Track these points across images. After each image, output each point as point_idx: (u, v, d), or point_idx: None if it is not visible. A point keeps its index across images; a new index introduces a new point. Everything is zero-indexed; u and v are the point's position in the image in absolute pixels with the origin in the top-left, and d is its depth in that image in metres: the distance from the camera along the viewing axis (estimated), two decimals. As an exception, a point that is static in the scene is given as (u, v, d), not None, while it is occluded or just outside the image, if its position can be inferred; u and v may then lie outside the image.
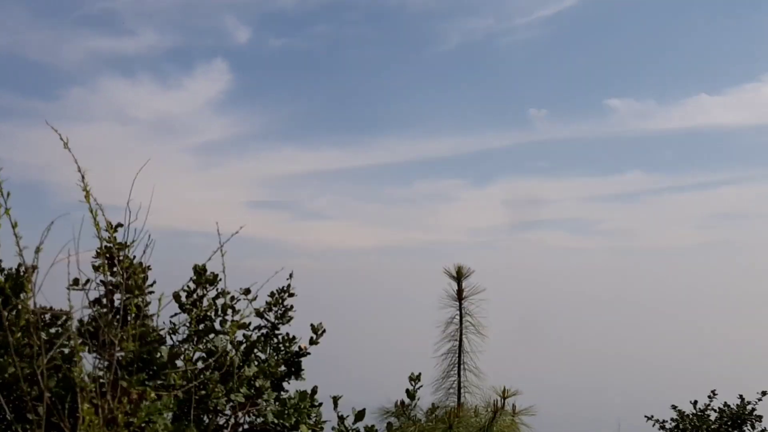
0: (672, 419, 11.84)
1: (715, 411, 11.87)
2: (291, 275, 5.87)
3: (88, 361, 4.38)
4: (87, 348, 4.47)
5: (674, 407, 12.03)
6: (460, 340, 6.18)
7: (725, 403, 11.88)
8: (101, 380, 4.33)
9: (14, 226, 3.12)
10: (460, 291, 6.33)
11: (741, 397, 11.83)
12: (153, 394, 4.25)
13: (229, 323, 5.28)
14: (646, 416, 11.94)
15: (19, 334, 4.48)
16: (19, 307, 4.69)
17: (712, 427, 11.55)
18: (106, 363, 4.45)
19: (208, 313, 5.33)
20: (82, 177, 3.32)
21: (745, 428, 11.57)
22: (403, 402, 6.34)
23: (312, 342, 5.79)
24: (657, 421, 11.82)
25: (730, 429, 11.54)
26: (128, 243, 4.72)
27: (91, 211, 3.42)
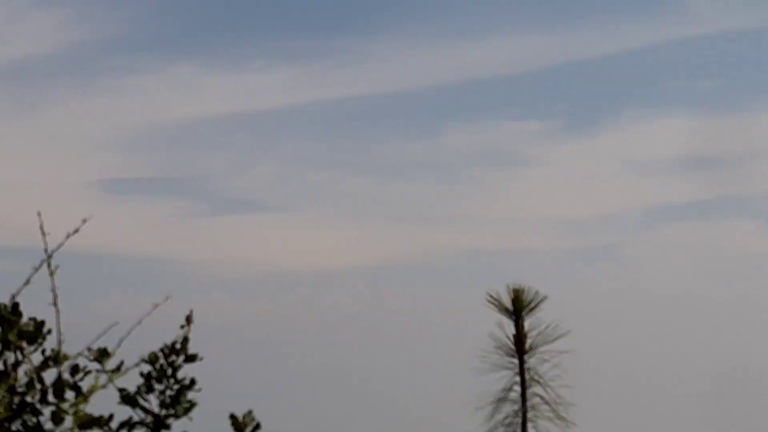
0: None
1: None
2: (189, 318, 3.68)
3: None
4: None
5: None
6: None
7: None
8: None
9: None
10: (520, 336, 3.50)
11: None
12: None
13: (70, 417, 3.43)
14: None
15: None
16: None
17: None
18: None
19: (28, 398, 3.46)
20: None
21: None
22: None
23: (235, 452, 3.62)
24: None
25: None
26: None
27: None
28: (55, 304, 3.31)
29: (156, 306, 3.56)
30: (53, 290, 3.30)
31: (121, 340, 3.43)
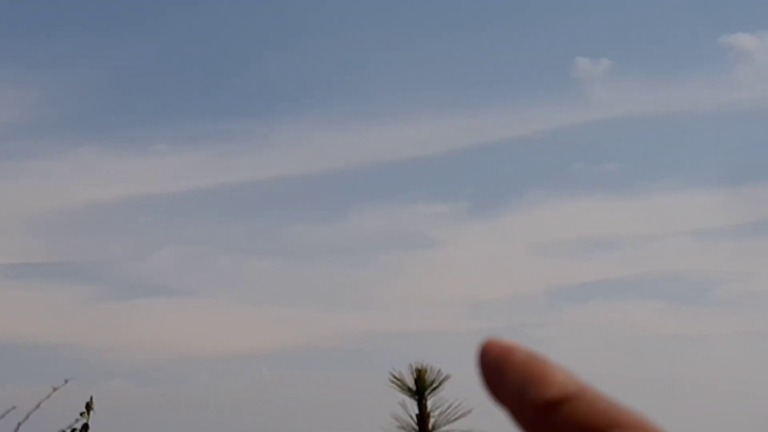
0: None
1: None
2: (89, 405, 3.52)
3: None
4: None
5: None
6: None
7: None
8: None
9: None
10: (423, 416, 3.45)
11: None
12: None
13: None
14: None
15: None
16: None
17: None
18: None
19: None
20: None
21: None
22: None
23: None
24: None
25: None
26: None
27: None
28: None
29: (55, 389, 3.41)
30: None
31: (18, 425, 3.27)
